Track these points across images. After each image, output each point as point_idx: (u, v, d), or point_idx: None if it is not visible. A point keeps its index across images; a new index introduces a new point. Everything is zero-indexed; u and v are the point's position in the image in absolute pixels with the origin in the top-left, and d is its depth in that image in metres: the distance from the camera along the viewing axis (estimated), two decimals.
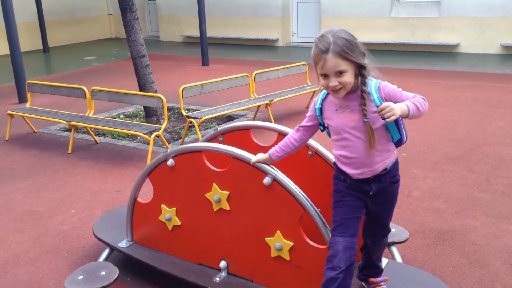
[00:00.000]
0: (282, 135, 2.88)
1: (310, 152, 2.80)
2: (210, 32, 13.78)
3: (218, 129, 3.10)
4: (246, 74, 6.50)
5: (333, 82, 2.12)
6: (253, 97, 6.57)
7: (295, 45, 14.45)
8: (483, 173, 4.65)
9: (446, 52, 12.04)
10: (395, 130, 2.25)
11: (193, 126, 5.99)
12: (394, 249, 3.05)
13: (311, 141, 2.80)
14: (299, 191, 2.39)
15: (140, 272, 3.14)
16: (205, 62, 11.52)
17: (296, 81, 8.18)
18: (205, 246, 2.81)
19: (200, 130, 5.88)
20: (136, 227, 3.11)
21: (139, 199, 3.05)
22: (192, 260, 2.89)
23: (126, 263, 3.22)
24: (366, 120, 2.16)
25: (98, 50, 14.90)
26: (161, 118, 6.58)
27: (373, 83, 2.19)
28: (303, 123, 2.42)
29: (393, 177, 2.33)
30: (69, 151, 5.64)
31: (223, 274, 2.75)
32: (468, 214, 3.86)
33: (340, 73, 2.11)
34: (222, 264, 2.75)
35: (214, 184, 2.65)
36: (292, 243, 2.46)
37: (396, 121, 2.22)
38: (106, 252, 3.18)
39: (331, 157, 2.76)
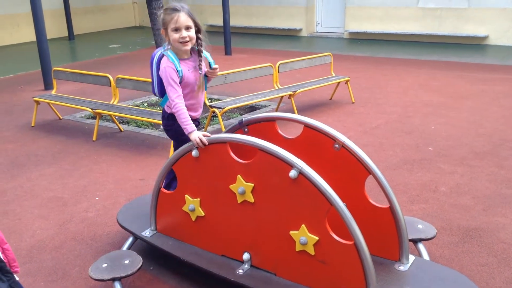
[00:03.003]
0: (308, 127, 2.83)
1: (336, 146, 2.75)
2: (233, 21, 13.70)
3: (243, 120, 3.06)
4: (270, 64, 6.43)
5: (185, 33, 2.83)
6: (277, 88, 6.51)
7: (318, 35, 14.29)
8: None
9: (474, 44, 11.74)
10: (205, 86, 3.11)
11: (215, 116, 5.97)
12: (420, 246, 2.98)
13: (338, 134, 2.75)
14: (326, 185, 2.34)
15: (163, 262, 3.15)
16: (228, 51, 11.48)
17: (319, 72, 8.08)
18: (229, 238, 2.79)
19: (222, 120, 5.86)
20: (160, 217, 3.11)
21: (163, 189, 3.04)
22: (215, 251, 2.87)
23: (149, 252, 3.23)
24: (200, 73, 2.97)
25: (122, 38, 14.99)
26: None
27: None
28: (178, 89, 2.91)
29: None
30: (94, 139, 5.69)
31: (246, 266, 2.73)
32: (497, 211, 3.76)
33: (187, 28, 2.84)
34: (245, 256, 2.73)
35: (238, 176, 2.62)
36: (317, 238, 2.42)
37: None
38: (129, 240, 3.19)
39: (358, 150, 2.71)
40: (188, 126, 2.87)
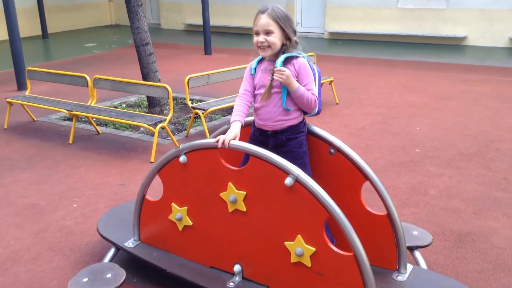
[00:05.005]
0: None
1: (332, 150, 2.63)
2: (213, 21, 13.52)
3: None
4: None
5: (261, 38, 2.53)
6: None
7: (298, 35, 14.02)
8: (500, 171, 4.49)
9: (453, 45, 11.83)
10: (284, 99, 2.59)
11: (198, 118, 5.80)
12: (417, 253, 2.88)
13: (333, 138, 2.63)
14: (324, 193, 2.22)
15: (147, 274, 2.97)
16: (207, 51, 11.30)
17: None
18: (218, 249, 2.64)
19: (205, 121, 5.69)
20: (144, 226, 2.94)
21: (147, 197, 2.87)
22: (204, 263, 2.72)
23: (132, 263, 3.04)
24: (271, 79, 2.55)
25: (98, 37, 14.64)
26: (165, 108, 6.39)
27: (296, 58, 2.60)
28: (243, 85, 2.72)
29: (289, 135, 2.63)
30: (70, 142, 5.45)
31: (237, 278, 2.58)
32: (488, 215, 3.70)
33: (268, 33, 2.51)
34: (236, 268, 2.58)
35: (229, 183, 2.47)
36: (314, 249, 2.29)
37: (287, 94, 2.59)
38: (111, 252, 3.01)
39: (354, 155, 2.59)
40: (232, 116, 2.64)
